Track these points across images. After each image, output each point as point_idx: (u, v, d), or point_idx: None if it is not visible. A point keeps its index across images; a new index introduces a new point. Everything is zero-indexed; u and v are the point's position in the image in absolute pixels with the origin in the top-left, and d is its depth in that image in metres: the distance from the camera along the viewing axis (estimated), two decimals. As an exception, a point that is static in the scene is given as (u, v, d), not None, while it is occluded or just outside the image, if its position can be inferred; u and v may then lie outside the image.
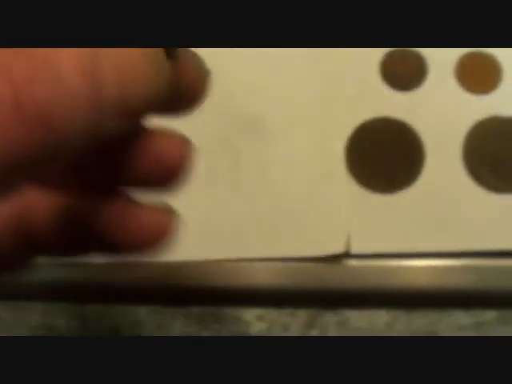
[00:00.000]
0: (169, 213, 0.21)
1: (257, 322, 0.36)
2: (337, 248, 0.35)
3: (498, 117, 0.37)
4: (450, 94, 0.37)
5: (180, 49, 0.19)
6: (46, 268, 0.33)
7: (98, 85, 0.16)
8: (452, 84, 0.38)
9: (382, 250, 0.35)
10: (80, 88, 0.16)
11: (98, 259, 0.22)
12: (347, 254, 0.35)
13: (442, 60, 0.38)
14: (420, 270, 0.35)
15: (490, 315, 0.35)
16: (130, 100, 0.17)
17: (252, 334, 0.36)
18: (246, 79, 0.38)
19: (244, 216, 0.36)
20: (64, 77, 0.16)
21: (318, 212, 0.36)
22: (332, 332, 0.36)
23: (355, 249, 0.35)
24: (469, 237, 0.35)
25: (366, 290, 0.35)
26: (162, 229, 0.20)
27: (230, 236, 0.36)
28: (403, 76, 0.38)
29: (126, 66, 0.17)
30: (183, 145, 0.20)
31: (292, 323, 0.36)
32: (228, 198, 0.36)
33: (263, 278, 0.36)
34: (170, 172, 0.20)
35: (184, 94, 0.20)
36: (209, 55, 0.20)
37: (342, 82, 0.38)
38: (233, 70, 0.39)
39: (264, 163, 0.37)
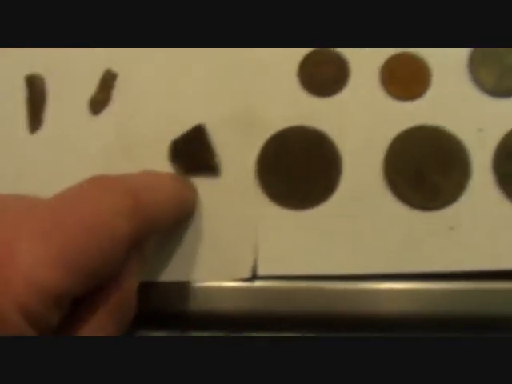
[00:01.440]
0: None
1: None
2: (243, 273, 0.32)
3: (424, 126, 0.34)
4: (372, 101, 0.34)
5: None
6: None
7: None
8: (376, 89, 0.34)
9: (292, 272, 0.33)
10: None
11: None
12: (254, 277, 0.33)
13: (365, 63, 0.35)
14: (334, 292, 0.33)
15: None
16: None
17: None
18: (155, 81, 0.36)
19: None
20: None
21: (224, 232, 0.33)
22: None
23: (263, 271, 0.33)
24: (386, 257, 0.33)
25: (274, 313, 0.33)
26: None
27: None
28: (323, 80, 0.34)
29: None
30: None
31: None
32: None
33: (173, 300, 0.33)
34: None
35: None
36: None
37: (253, 86, 0.35)
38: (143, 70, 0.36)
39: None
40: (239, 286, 0.33)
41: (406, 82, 0.34)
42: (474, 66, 0.35)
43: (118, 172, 0.29)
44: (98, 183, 0.26)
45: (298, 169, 0.34)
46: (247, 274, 0.32)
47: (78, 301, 0.25)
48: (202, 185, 0.34)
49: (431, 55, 0.35)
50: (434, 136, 0.34)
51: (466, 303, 0.32)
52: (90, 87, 0.36)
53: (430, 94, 0.34)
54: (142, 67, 0.36)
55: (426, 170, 0.33)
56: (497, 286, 0.32)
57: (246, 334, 0.32)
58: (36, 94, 0.36)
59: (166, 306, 0.33)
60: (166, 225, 0.30)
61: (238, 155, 0.34)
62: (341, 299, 0.33)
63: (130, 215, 0.26)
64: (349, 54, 0.35)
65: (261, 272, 0.33)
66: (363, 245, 0.33)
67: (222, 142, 0.34)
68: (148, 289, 0.32)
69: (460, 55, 0.35)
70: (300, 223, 0.33)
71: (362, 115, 0.34)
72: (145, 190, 0.28)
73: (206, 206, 0.34)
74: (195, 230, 0.33)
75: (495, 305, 0.32)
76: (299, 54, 0.35)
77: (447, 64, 0.35)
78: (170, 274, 0.33)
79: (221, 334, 0.32)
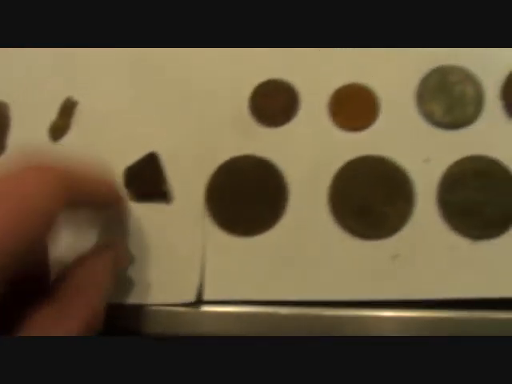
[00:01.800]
0: None
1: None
2: (188, 296, 0.33)
3: (370, 157, 0.34)
4: (320, 132, 0.35)
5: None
6: None
7: None
8: (324, 120, 0.35)
9: (239, 297, 0.33)
10: None
11: None
12: (200, 301, 0.33)
13: (315, 94, 0.36)
14: (279, 317, 0.33)
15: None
16: None
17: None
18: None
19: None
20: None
21: (172, 257, 0.34)
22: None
23: (208, 295, 0.33)
24: (331, 285, 0.33)
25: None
26: None
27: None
28: (272, 111, 0.35)
29: None
30: None
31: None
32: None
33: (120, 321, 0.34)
34: None
35: None
36: None
37: (206, 116, 0.36)
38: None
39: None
40: (187, 310, 0.33)
41: (354, 113, 0.35)
42: (422, 98, 0.35)
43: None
44: (27, 168, 0.27)
45: (246, 196, 0.34)
46: (192, 298, 0.33)
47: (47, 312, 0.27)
48: (154, 210, 0.35)
49: (380, 86, 0.36)
50: (379, 166, 0.34)
51: (415, 330, 0.33)
52: (51, 114, 0.37)
53: (378, 125, 0.35)
54: (101, 96, 0.37)
55: (370, 199, 0.34)
56: (439, 315, 0.33)
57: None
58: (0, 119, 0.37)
59: (114, 327, 0.34)
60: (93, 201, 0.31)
61: (189, 182, 0.35)
62: (286, 324, 0.33)
63: (54, 193, 0.26)
64: (299, 84, 0.36)
65: (207, 297, 0.33)
66: (308, 272, 0.33)
67: (174, 169, 0.35)
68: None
69: (409, 87, 0.36)
70: (247, 249, 0.34)
71: (310, 145, 0.35)
72: (71, 173, 0.28)
73: (156, 230, 0.34)
74: (144, 253, 0.34)
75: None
76: (251, 84, 0.36)
77: (396, 95, 0.35)
78: (117, 296, 0.33)
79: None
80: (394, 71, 0.36)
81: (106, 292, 0.29)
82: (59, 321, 0.27)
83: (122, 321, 0.34)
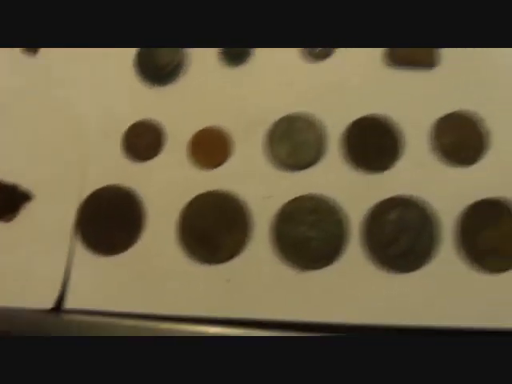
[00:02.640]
0: None
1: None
2: (47, 304, 0.39)
3: (216, 192, 0.39)
4: (179, 168, 0.40)
5: None
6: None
7: None
8: (184, 157, 0.40)
9: (97, 307, 0.39)
10: None
11: None
12: (59, 309, 0.39)
13: (178, 134, 0.41)
14: (133, 329, 0.38)
15: None
16: None
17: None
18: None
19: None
20: None
21: (36, 270, 0.39)
22: None
23: (69, 304, 0.39)
24: (172, 303, 0.38)
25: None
26: None
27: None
28: (140, 147, 0.41)
29: None
30: None
31: None
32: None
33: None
34: None
35: None
36: None
37: (82, 149, 0.41)
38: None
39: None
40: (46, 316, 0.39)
41: (209, 152, 0.40)
42: (270, 141, 0.40)
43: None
44: None
45: (110, 222, 0.40)
46: (50, 305, 0.39)
47: None
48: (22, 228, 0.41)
49: (233, 130, 0.41)
50: (222, 201, 0.39)
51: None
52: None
53: (229, 163, 0.40)
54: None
55: (212, 229, 0.39)
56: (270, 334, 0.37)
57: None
58: None
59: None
60: None
61: (59, 209, 0.40)
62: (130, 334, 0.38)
63: None
64: (165, 124, 0.41)
65: (68, 305, 0.39)
66: (155, 289, 0.38)
67: (44, 194, 0.41)
68: None
69: (260, 130, 0.41)
70: (107, 267, 0.39)
71: (168, 179, 0.40)
72: None
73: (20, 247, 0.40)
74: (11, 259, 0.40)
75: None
76: (125, 123, 0.42)
77: (247, 138, 0.40)
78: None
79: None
80: (247, 117, 0.41)
81: None
82: None
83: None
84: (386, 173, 0.39)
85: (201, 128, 0.41)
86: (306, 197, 0.39)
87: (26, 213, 0.41)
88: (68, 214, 0.40)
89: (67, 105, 0.42)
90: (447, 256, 0.37)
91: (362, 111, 0.40)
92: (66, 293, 0.39)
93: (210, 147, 0.40)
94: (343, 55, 0.42)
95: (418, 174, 0.39)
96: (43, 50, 0.44)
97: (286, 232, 0.38)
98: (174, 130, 0.41)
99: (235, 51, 0.42)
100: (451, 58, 0.41)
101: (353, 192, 0.39)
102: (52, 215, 0.40)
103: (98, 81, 0.43)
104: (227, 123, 0.41)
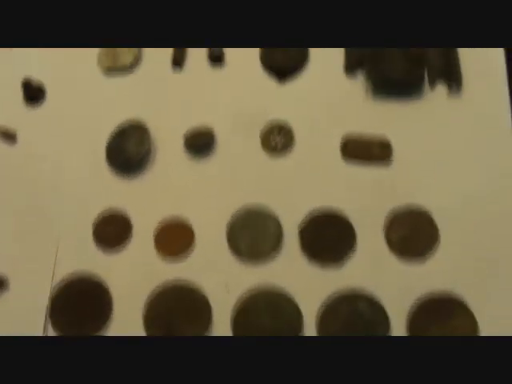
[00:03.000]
0: None
1: None
2: None
3: (179, 282, 0.41)
4: (143, 259, 0.42)
5: None
6: None
7: None
8: (149, 248, 0.43)
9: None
10: None
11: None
12: None
13: (144, 225, 0.43)
14: None
15: None
16: None
17: None
18: None
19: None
20: None
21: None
22: None
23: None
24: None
25: None
26: None
27: None
28: (109, 237, 0.43)
29: None
30: None
31: None
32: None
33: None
34: None
35: None
36: None
37: (44, 238, 0.44)
38: None
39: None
40: None
41: (173, 244, 0.43)
42: (231, 231, 0.42)
43: None
44: None
45: (79, 307, 0.42)
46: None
47: None
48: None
49: (195, 222, 0.43)
50: (185, 292, 0.41)
51: None
52: None
53: (193, 255, 0.42)
54: None
55: (173, 319, 0.41)
56: None
57: None
58: None
59: None
60: None
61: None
62: None
63: None
64: (133, 216, 0.43)
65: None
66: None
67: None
68: None
69: (220, 220, 0.43)
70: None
71: (133, 270, 0.42)
72: None
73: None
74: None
75: None
76: (94, 212, 0.44)
77: (209, 232, 0.43)
78: None
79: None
80: (208, 209, 0.43)
81: None
82: None
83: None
84: (340, 265, 0.41)
85: (165, 218, 0.43)
86: (262, 288, 0.41)
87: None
88: (40, 303, 0.42)
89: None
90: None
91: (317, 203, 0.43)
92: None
93: (174, 239, 0.43)
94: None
95: (371, 267, 0.41)
96: (21, 137, 0.47)
97: (244, 323, 0.40)
98: (140, 220, 0.43)
99: (200, 142, 0.44)
100: (403, 152, 0.44)
101: (308, 284, 0.41)
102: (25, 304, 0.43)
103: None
104: (190, 214, 0.43)
